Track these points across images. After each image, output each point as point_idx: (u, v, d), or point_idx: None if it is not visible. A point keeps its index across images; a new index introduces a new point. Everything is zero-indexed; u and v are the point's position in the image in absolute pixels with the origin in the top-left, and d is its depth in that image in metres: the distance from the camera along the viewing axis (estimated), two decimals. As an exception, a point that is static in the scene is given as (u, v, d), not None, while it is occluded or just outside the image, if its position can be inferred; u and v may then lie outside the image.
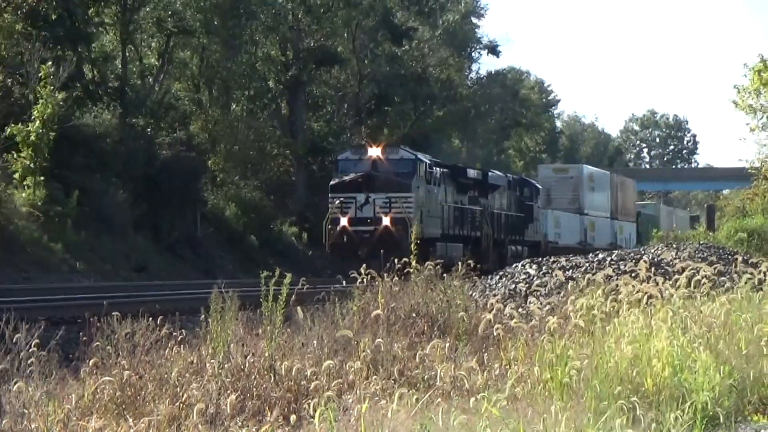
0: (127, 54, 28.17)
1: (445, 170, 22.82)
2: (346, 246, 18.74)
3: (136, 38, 28.81)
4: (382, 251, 16.00)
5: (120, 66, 27.94)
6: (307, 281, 5.96)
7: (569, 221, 30.18)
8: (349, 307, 5.48)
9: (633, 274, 6.37)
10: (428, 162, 21.14)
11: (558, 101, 70.31)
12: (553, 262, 9.50)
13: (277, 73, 34.30)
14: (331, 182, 21.06)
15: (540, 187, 28.61)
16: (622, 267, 8.62)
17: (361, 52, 37.33)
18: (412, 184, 19.46)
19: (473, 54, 48.72)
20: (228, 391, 4.18)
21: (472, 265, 22.27)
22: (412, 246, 16.33)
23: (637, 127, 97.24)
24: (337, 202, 19.53)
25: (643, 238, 34.24)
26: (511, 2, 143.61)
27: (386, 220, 18.48)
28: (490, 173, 26.33)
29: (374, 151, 20.33)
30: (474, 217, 23.35)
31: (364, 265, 15.25)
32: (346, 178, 19.79)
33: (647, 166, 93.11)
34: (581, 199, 30.61)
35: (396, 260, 15.23)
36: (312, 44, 33.67)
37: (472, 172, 25.15)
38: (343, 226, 18.90)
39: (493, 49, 47.30)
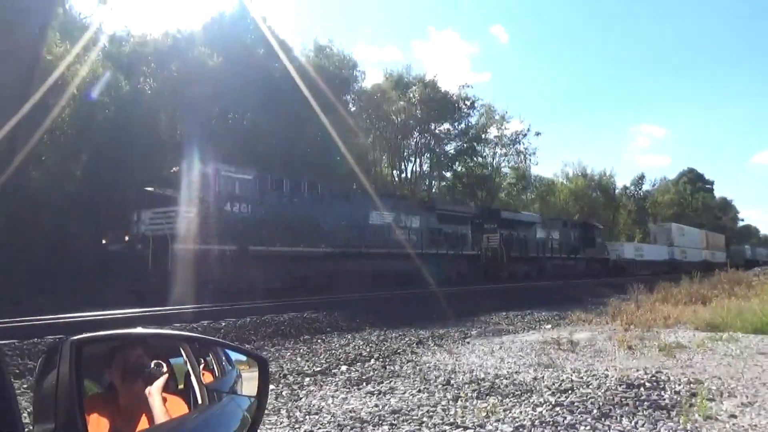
0: None
1: (392, 200, 26.02)
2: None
3: None
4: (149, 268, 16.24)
5: None
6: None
7: (653, 249, 48.90)
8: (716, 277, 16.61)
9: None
10: (244, 177, 18.79)
11: None
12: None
13: None
14: None
15: (602, 227, 44.58)
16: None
17: None
18: (184, 197, 17.12)
19: None
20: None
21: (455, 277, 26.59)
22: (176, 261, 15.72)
23: None
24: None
25: (731, 259, 52.88)
26: None
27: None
28: (504, 212, 33.73)
29: (176, 167, 18.77)
30: (458, 238, 27.62)
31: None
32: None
33: None
34: (672, 238, 51.97)
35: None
36: None
37: (457, 209, 29.95)
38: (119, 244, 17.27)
39: None
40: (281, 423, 5.22)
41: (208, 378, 1.51)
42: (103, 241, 17.60)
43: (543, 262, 34.21)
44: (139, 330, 1.42)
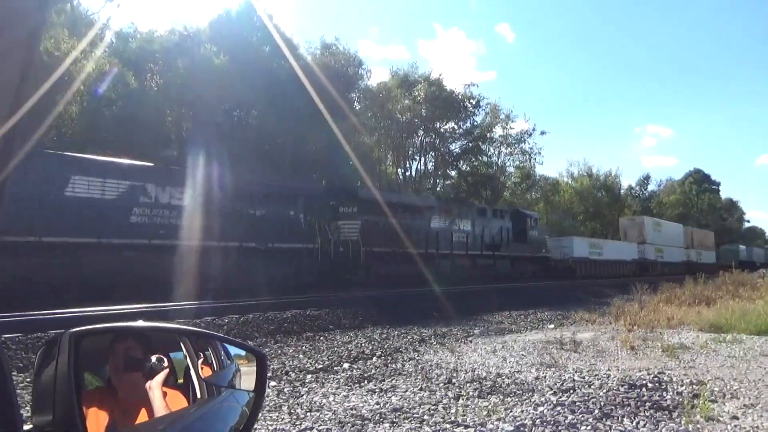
0: None
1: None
2: None
3: None
4: None
5: None
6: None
7: (617, 246, 43.22)
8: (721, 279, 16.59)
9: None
10: None
11: None
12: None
13: None
14: None
15: (537, 216, 36.29)
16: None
17: None
18: None
19: None
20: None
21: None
22: None
23: None
24: None
25: (722, 261, 53.59)
26: None
27: None
28: (365, 191, 24.02)
29: None
30: (277, 224, 19.42)
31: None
32: None
33: None
34: (644, 235, 45.98)
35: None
36: None
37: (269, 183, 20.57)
38: None
39: None
40: (282, 419, 5.24)
41: (206, 372, 1.52)
42: None
43: (436, 261, 25.46)
44: (139, 323, 1.42)
